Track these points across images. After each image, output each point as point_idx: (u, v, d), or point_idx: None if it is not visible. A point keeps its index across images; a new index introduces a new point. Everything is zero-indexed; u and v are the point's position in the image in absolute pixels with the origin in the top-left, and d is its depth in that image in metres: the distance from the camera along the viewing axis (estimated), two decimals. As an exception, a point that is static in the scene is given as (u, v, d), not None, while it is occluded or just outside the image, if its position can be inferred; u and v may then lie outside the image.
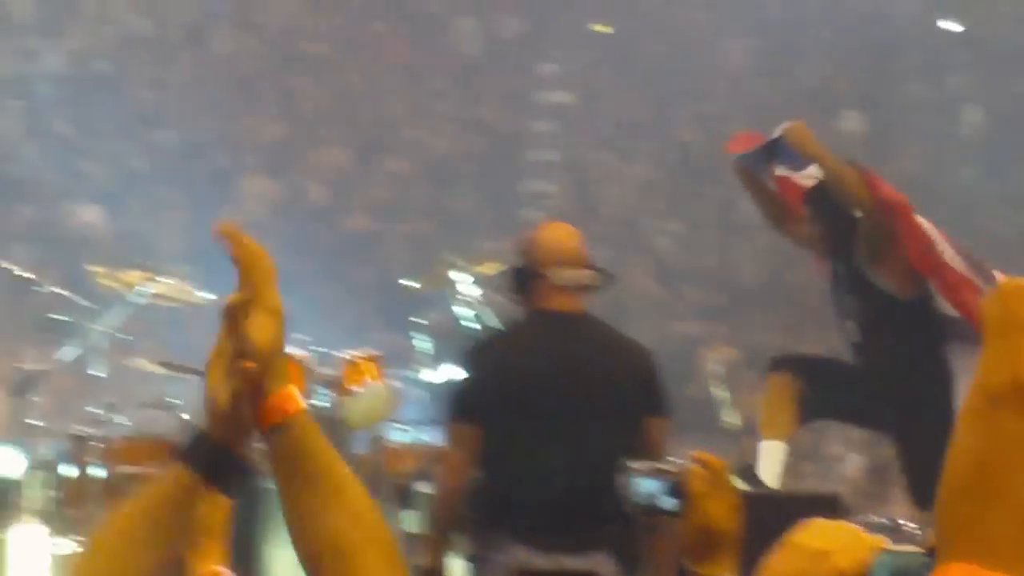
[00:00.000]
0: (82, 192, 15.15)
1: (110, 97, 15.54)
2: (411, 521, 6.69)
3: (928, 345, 6.96)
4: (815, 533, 1.80)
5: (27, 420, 8.14)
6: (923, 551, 1.44)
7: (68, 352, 8.54)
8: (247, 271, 1.49)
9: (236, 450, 1.59)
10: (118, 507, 1.66)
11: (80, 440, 7.54)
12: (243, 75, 16.70)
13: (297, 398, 1.55)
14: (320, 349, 7.97)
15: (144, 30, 16.88)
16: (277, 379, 1.52)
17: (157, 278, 8.30)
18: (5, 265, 9.08)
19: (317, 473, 1.51)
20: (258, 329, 1.48)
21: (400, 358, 8.82)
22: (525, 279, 5.36)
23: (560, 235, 5.52)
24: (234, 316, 1.50)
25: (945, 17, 17.71)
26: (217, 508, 2.98)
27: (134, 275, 8.28)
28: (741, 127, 9.80)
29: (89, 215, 15.10)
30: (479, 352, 5.65)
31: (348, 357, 7.48)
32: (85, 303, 8.83)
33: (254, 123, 16.46)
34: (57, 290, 8.89)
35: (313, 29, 17.34)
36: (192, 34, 16.90)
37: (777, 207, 7.71)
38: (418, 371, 8.34)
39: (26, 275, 8.88)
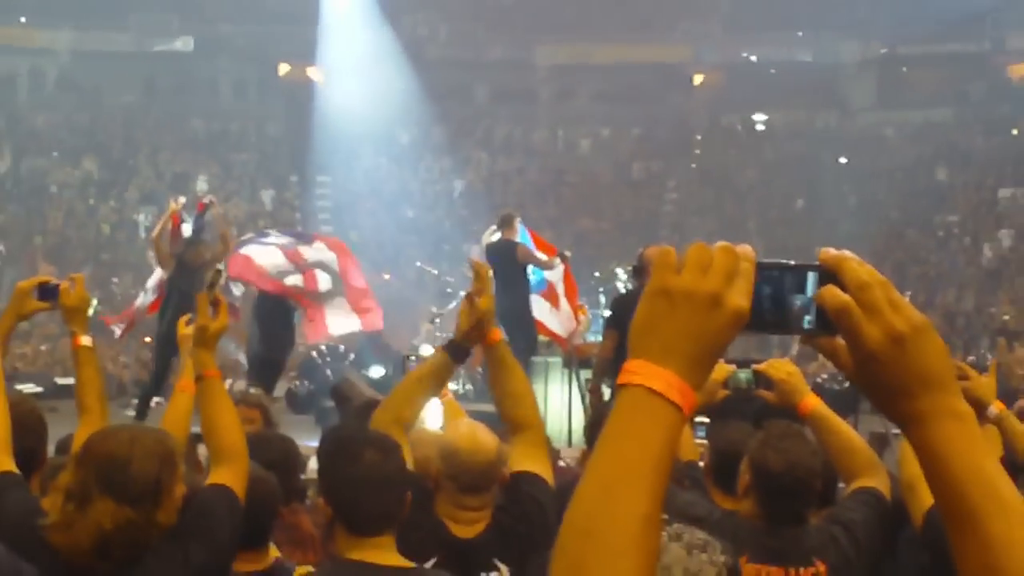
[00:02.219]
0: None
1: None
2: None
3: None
4: (694, 269, 1.77)
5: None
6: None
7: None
8: (478, 278, 4.87)
9: (467, 348, 4.89)
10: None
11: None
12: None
13: (499, 333, 4.92)
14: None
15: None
16: (490, 324, 4.81)
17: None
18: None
19: (516, 367, 4.98)
20: (485, 303, 4.75)
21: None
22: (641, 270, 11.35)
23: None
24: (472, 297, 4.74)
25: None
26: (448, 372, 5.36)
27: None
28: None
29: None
30: (626, 298, 12.01)
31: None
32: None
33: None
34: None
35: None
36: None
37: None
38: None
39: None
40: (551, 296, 15.85)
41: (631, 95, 46.45)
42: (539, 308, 15.71)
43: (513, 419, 5.06)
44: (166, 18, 45.31)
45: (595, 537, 1.62)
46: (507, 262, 15.01)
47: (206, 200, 16.98)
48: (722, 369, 5.03)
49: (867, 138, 45.50)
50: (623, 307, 11.34)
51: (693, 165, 45.49)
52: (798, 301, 1.76)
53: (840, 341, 1.76)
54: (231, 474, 4.34)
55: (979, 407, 5.61)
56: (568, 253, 16.07)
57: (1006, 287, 35.40)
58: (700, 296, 1.67)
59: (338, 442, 4.28)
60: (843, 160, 44.08)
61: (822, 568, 4.54)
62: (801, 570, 4.59)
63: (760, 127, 47.56)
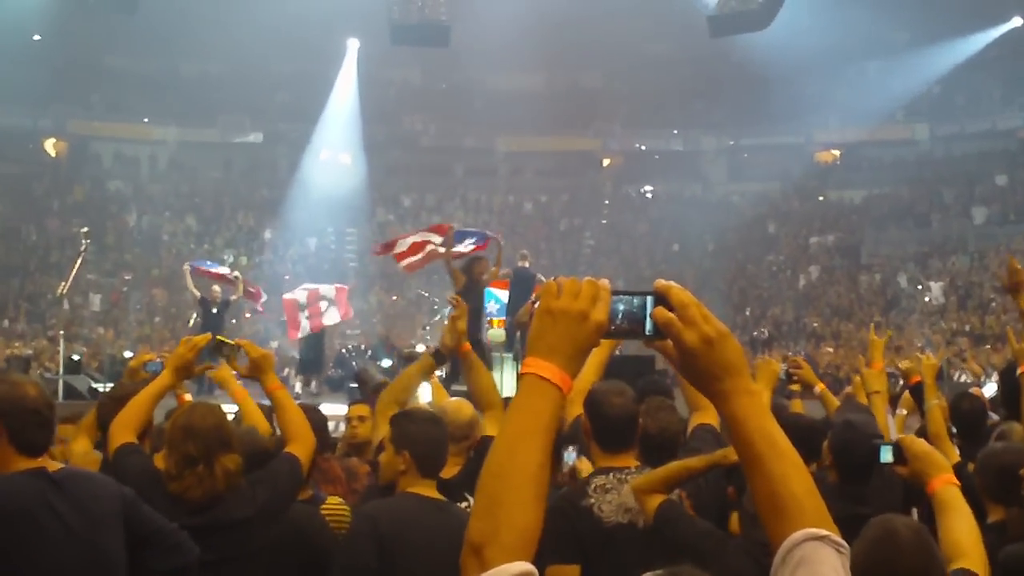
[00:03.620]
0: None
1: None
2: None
3: None
4: (568, 295, 2.04)
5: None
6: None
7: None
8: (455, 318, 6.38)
9: (445, 355, 6.33)
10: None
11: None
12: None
13: (468, 346, 6.33)
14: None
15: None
16: (463, 340, 6.18)
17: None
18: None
19: (483, 368, 6.30)
20: (461, 326, 6.23)
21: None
22: None
23: None
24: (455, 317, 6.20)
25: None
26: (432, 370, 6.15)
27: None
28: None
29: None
30: None
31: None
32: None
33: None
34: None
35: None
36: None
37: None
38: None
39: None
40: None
41: (561, 172, 52.16)
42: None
43: (482, 402, 6.05)
44: (242, 118, 50.00)
45: (504, 478, 1.97)
46: (526, 286, 17.07)
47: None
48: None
49: (721, 203, 51.28)
50: None
51: (604, 221, 50.03)
52: (641, 316, 2.11)
53: (670, 343, 2.11)
54: (299, 447, 5.24)
55: (808, 386, 7.76)
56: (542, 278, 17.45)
57: (815, 304, 40.62)
58: (573, 313, 2.03)
59: (418, 410, 5.36)
60: (702, 217, 47.94)
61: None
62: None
63: (648, 195, 52.94)
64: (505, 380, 15.43)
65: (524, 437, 2.02)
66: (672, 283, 2.14)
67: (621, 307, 2.14)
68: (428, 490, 4.97)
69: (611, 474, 4.99)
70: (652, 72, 49.64)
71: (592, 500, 4.88)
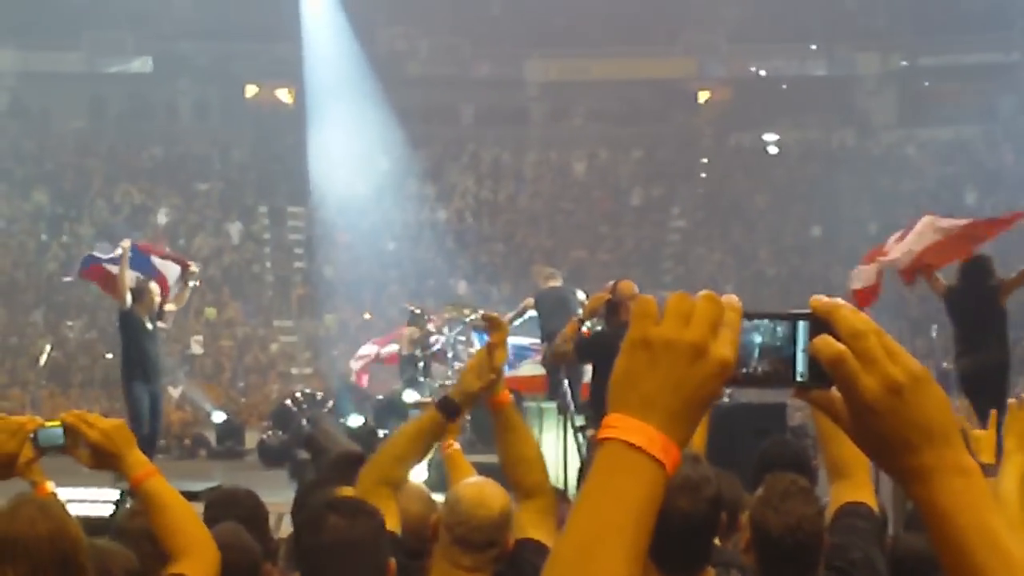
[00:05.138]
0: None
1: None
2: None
3: None
4: (675, 319, 1.77)
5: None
6: None
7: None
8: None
9: (461, 407, 5.05)
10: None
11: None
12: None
13: (509, 395, 5.15)
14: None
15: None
16: (501, 384, 4.96)
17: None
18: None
19: (526, 430, 5.37)
20: (500, 357, 4.94)
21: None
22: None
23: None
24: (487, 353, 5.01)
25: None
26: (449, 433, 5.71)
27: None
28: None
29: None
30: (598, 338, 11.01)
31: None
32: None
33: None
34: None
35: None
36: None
37: None
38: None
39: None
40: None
41: (630, 114, 45.64)
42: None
43: (522, 485, 5.25)
44: (121, 36, 43.92)
45: None
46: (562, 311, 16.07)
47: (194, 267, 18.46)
48: None
49: (888, 158, 43.90)
50: (596, 345, 11.07)
51: (699, 190, 43.62)
52: (789, 352, 1.80)
53: (836, 393, 1.81)
54: (192, 566, 4.43)
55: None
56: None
57: None
58: (682, 346, 1.72)
59: (302, 509, 5.07)
60: (860, 181, 41.44)
61: None
62: None
63: (772, 148, 45.64)
64: (546, 445, 13.22)
65: (604, 538, 1.70)
66: (839, 300, 1.82)
67: (758, 339, 1.83)
68: None
69: None
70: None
71: None
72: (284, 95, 44.36)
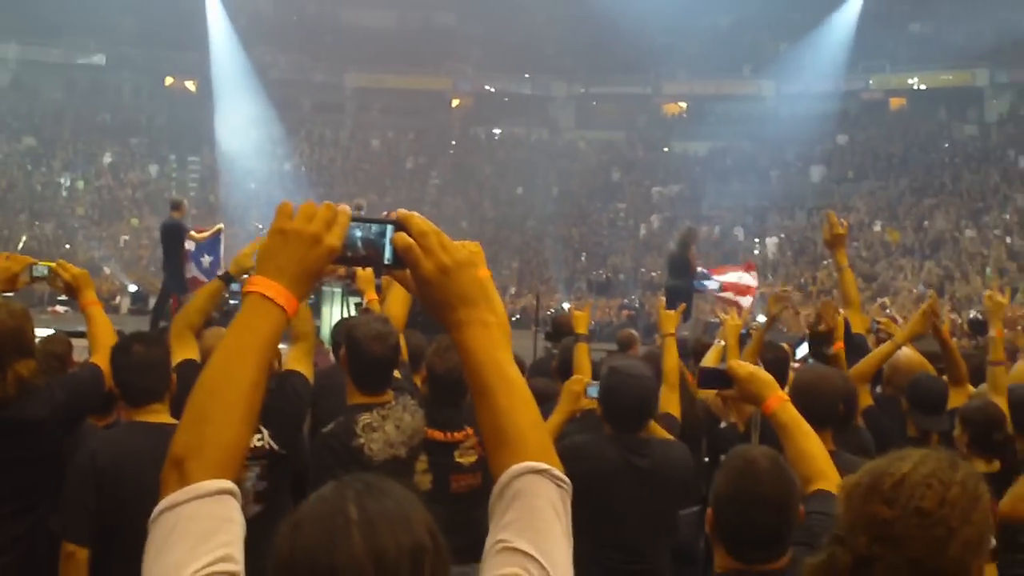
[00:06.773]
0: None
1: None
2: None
3: None
4: (303, 217, 1.98)
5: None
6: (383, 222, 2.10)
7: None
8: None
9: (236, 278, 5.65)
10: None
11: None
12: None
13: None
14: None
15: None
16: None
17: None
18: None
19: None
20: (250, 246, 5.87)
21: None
22: None
23: None
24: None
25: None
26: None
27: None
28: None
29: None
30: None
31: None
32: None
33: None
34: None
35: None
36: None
37: None
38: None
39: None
40: None
41: (409, 110, 51.46)
42: None
43: (294, 331, 5.57)
44: (86, 40, 48.60)
45: (216, 394, 1.91)
46: None
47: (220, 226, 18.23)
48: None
49: (567, 148, 51.49)
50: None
51: (449, 162, 49.78)
52: (380, 244, 2.05)
53: (408, 272, 2.07)
54: (103, 359, 5.04)
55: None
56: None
57: (654, 255, 39.61)
58: (305, 235, 1.98)
59: (119, 340, 4.94)
60: (548, 162, 48.45)
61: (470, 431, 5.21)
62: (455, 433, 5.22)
63: (496, 137, 52.35)
64: (329, 314, 15.08)
65: (241, 354, 1.96)
66: (414, 213, 2.09)
67: (359, 233, 2.09)
68: (156, 415, 4.77)
69: (374, 410, 5.05)
70: (505, 14, 50.15)
71: (361, 440, 4.93)
72: (191, 85, 49.18)
